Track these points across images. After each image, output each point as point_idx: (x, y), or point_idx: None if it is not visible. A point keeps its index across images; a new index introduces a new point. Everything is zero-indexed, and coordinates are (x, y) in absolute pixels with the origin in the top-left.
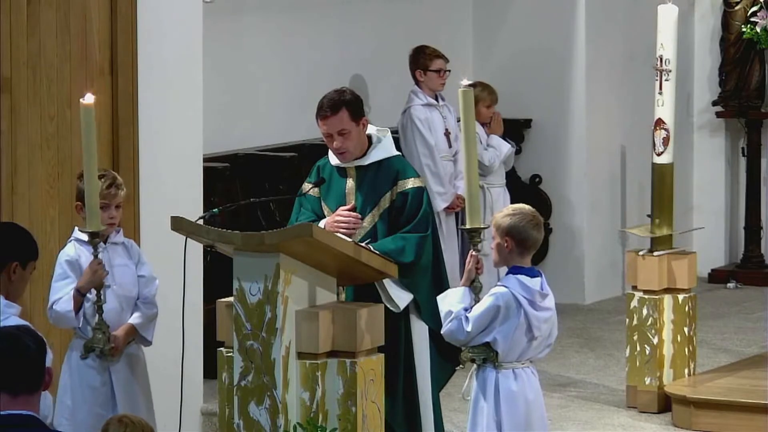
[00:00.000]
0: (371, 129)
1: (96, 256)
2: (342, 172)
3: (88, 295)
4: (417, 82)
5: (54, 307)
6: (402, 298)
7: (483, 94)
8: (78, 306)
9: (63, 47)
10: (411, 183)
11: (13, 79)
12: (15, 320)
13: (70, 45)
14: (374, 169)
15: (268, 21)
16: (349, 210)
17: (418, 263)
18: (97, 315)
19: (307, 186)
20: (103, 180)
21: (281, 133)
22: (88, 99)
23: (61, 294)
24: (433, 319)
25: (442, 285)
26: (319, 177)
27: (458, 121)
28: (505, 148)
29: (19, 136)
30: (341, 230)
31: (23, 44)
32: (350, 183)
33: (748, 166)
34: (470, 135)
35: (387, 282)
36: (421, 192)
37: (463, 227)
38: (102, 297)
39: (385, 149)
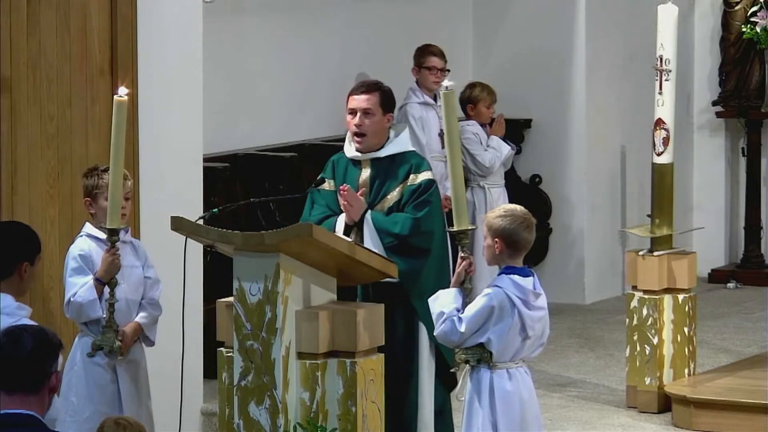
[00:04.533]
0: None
1: (112, 245)
2: (357, 164)
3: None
4: (416, 80)
5: (73, 299)
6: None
7: (482, 94)
8: (100, 295)
9: (63, 47)
10: (422, 176)
11: (13, 79)
12: (26, 322)
13: (70, 45)
14: (388, 163)
15: (268, 21)
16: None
17: (410, 241)
18: (107, 313)
19: (318, 181)
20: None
21: (281, 133)
22: (122, 93)
23: (79, 286)
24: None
25: (441, 283)
26: (334, 172)
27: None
28: (506, 149)
29: (19, 136)
30: (347, 209)
31: (23, 44)
32: (364, 175)
33: (748, 166)
34: (453, 137)
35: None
36: (431, 184)
37: (450, 229)
38: (114, 295)
39: (400, 144)
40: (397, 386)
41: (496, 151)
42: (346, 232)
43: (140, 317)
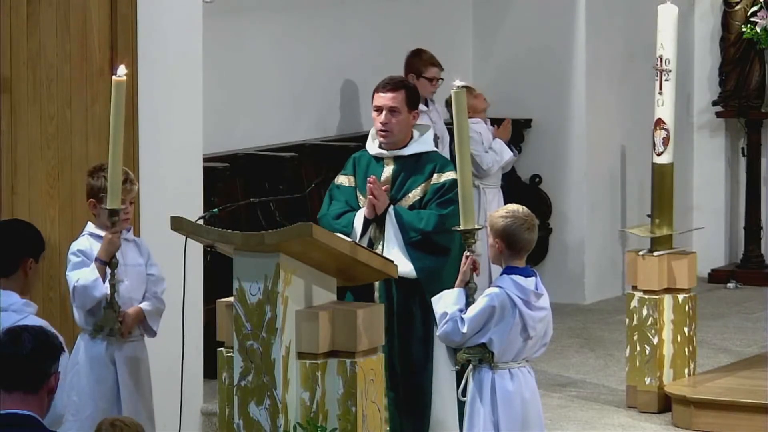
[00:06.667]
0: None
1: (112, 225)
2: (380, 161)
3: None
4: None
5: (77, 284)
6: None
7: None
8: (102, 274)
9: (63, 47)
10: (447, 176)
11: (13, 79)
12: (32, 320)
13: (70, 45)
14: (413, 161)
15: (268, 21)
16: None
17: (434, 237)
18: (109, 294)
19: (343, 179)
20: None
21: (281, 133)
22: (121, 72)
23: (81, 274)
24: None
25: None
26: (356, 169)
27: (447, 124)
28: (507, 155)
29: (19, 136)
30: (373, 202)
31: (23, 44)
32: (387, 171)
33: (748, 166)
34: (463, 137)
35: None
36: (455, 184)
37: (456, 228)
38: (116, 276)
39: (425, 143)
40: (413, 383)
41: (497, 155)
42: (365, 227)
43: (144, 304)
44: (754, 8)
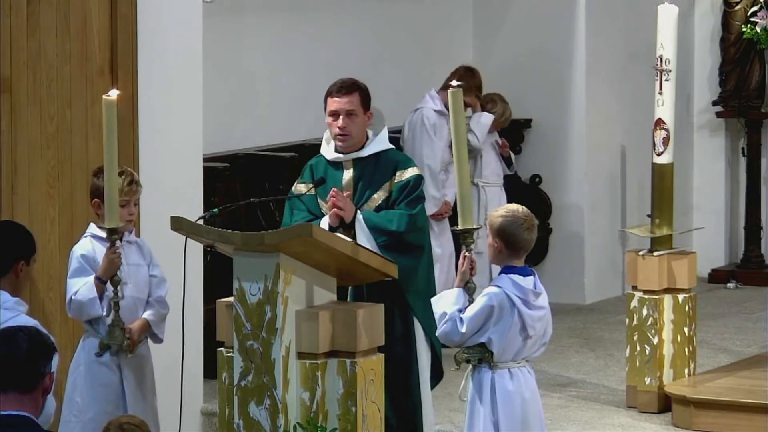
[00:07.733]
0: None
1: (112, 244)
2: (338, 166)
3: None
4: (438, 90)
5: (74, 297)
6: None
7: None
8: (100, 293)
9: (63, 47)
10: (410, 172)
11: (13, 79)
12: (25, 318)
13: (70, 45)
14: (372, 162)
15: (268, 21)
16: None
17: (407, 237)
18: (113, 311)
19: (301, 187)
20: (123, 177)
21: (281, 133)
22: (112, 94)
23: (80, 285)
24: (427, 317)
25: (431, 280)
26: (313, 176)
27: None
28: (486, 118)
29: (19, 136)
30: (340, 214)
31: (23, 44)
32: (347, 176)
33: (748, 166)
34: (460, 135)
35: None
36: (420, 180)
37: (455, 228)
38: (119, 293)
39: (382, 142)
40: (400, 385)
41: (476, 124)
42: None
43: (147, 314)
44: (754, 8)
